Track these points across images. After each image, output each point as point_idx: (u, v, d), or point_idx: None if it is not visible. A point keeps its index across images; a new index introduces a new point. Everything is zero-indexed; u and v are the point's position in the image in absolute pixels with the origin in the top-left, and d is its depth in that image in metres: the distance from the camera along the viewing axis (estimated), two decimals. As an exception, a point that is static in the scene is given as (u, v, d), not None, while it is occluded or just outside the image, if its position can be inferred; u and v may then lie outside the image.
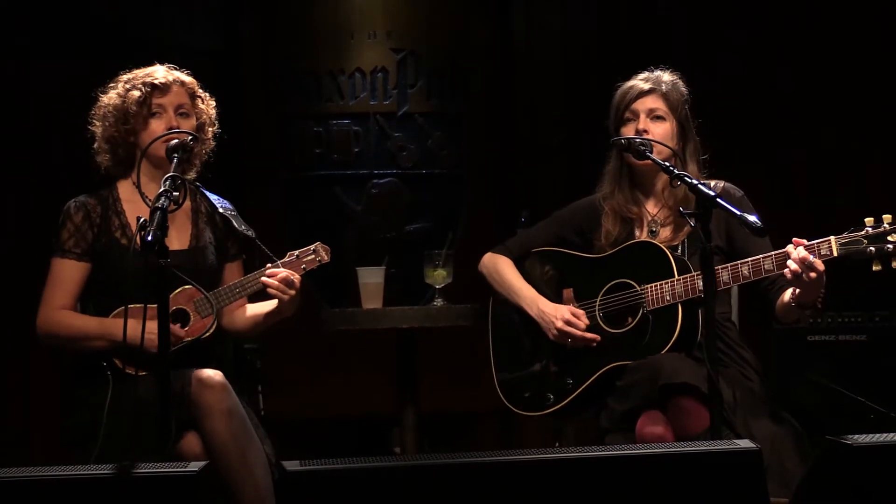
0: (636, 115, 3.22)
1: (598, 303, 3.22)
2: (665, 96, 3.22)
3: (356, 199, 5.41)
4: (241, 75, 5.36)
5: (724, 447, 2.30)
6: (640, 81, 3.26)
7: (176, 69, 3.24)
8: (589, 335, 3.18)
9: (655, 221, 3.26)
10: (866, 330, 4.37)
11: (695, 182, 2.76)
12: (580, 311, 3.22)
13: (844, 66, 5.18)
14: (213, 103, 3.30)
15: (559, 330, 3.21)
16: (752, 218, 2.66)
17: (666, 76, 3.27)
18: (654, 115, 3.21)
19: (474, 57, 5.46)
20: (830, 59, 5.19)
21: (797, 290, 2.92)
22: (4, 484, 2.14)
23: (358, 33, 5.44)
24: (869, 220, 2.82)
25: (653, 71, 3.29)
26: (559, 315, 3.23)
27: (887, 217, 2.81)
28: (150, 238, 2.44)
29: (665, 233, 3.24)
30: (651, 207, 3.29)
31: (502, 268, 3.42)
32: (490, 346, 3.45)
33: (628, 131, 3.21)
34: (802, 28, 5.25)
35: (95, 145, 3.23)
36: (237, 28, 5.40)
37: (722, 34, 5.28)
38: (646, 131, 3.18)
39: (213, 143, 3.30)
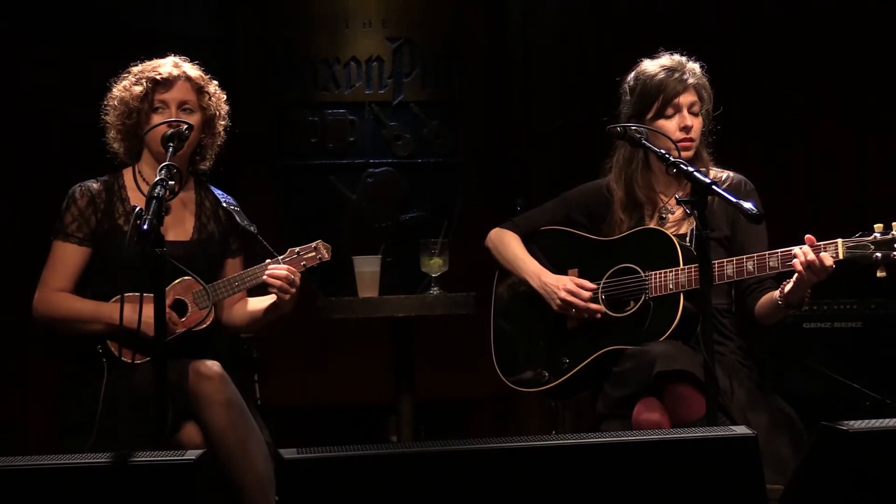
0: (679, 110, 3.15)
1: (601, 285, 3.21)
2: (698, 89, 3.17)
3: (352, 187, 5.41)
4: (237, 63, 5.34)
5: (720, 433, 2.30)
6: (676, 74, 3.16)
7: (186, 61, 3.22)
8: (593, 305, 3.16)
9: (666, 209, 3.25)
10: (862, 317, 4.37)
11: (690, 169, 2.76)
12: (582, 281, 3.21)
13: (841, 56, 5.17)
14: (224, 97, 3.28)
15: (563, 300, 3.20)
16: (747, 204, 2.66)
17: (697, 68, 3.20)
18: (692, 111, 3.16)
19: (469, 45, 5.45)
20: (827, 49, 5.18)
21: (786, 288, 2.91)
22: (2, 472, 2.14)
23: (353, 22, 5.43)
24: (878, 226, 2.79)
25: (682, 56, 3.20)
26: (562, 285, 3.22)
27: None
28: (145, 227, 2.45)
29: (674, 221, 3.23)
30: (663, 195, 3.28)
31: (508, 241, 3.41)
32: (491, 320, 3.46)
33: (671, 126, 3.14)
34: (799, 18, 5.24)
35: (109, 134, 3.22)
36: (233, 16, 5.39)
37: (718, 19, 5.26)
38: (691, 127, 3.14)
39: (224, 136, 3.29)
